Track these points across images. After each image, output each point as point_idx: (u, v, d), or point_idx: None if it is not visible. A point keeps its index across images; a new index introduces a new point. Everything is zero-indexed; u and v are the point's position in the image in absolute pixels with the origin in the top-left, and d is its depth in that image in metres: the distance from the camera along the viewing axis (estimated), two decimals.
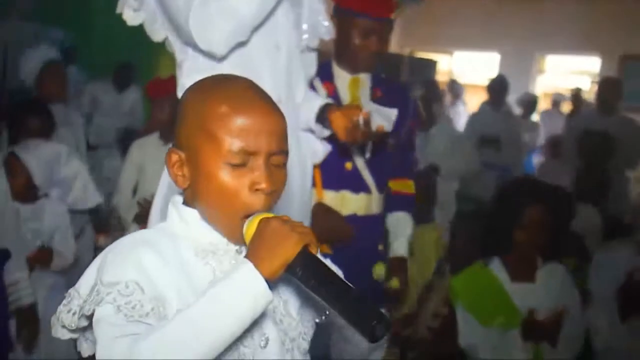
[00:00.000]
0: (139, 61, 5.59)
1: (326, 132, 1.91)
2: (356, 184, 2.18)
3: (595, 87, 5.71)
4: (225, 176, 0.99)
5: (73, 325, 0.98)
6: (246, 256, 0.95)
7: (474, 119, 5.70)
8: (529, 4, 7.85)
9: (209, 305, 0.91)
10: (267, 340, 1.03)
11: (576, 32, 7.43)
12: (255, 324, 0.97)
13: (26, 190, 2.55)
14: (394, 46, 7.93)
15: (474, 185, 4.65)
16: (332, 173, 2.14)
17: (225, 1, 1.57)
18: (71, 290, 1.00)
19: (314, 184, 2.07)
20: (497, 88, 5.50)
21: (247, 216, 0.99)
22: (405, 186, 2.36)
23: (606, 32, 7.20)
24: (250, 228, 0.98)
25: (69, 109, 3.86)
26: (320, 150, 1.99)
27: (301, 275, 0.95)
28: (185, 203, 1.05)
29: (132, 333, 0.90)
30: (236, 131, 0.98)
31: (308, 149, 1.94)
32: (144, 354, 0.87)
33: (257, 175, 0.99)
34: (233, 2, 1.58)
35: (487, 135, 5.22)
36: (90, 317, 0.96)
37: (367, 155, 2.09)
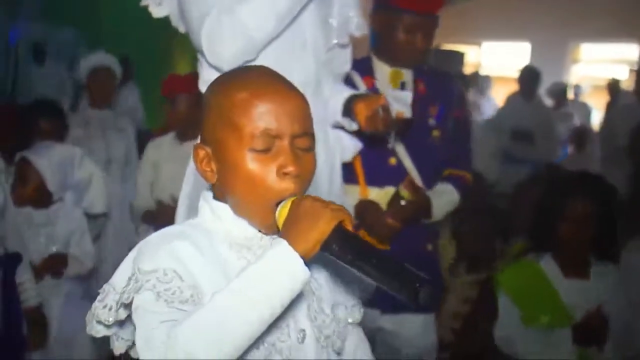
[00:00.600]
0: (144, 60, 5.57)
1: (354, 126, 1.87)
2: (401, 180, 2.14)
3: (634, 76, 5.51)
4: (251, 164, 0.99)
5: (111, 319, 0.98)
6: (280, 237, 0.95)
7: (503, 112, 5.56)
8: None
9: (245, 285, 0.91)
10: (304, 335, 1.03)
11: (612, 17, 7.13)
12: (292, 318, 1.01)
13: (39, 195, 2.52)
14: None
15: (500, 181, 4.52)
16: (375, 169, 2.14)
17: (239, 19, 1.60)
18: (105, 286, 1.00)
19: (353, 181, 2.10)
20: (527, 79, 5.32)
21: (278, 203, 0.99)
22: (461, 174, 2.31)
23: None
24: (282, 213, 0.98)
25: (118, 115, 3.91)
26: (351, 146, 1.93)
27: (338, 251, 0.94)
28: (215, 198, 1.06)
29: (171, 319, 0.91)
30: (257, 115, 0.99)
31: (337, 145, 1.91)
32: (181, 339, 0.88)
33: (283, 158, 0.99)
34: (246, 20, 1.60)
35: (519, 129, 5.05)
36: (128, 308, 0.97)
37: (391, 144, 2.09)
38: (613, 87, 6.67)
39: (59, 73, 6.16)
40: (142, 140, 4.68)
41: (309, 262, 0.94)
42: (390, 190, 2.13)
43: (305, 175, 1.01)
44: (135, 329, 0.96)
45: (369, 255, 0.94)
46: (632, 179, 3.31)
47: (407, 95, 2.05)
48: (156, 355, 0.90)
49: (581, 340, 2.14)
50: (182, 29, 1.79)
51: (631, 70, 7.32)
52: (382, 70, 2.17)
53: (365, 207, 2.12)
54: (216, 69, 1.63)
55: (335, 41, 1.82)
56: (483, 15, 8.07)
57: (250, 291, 0.90)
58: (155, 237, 1.01)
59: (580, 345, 2.13)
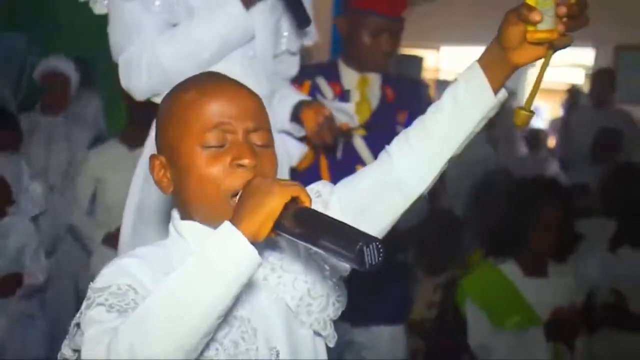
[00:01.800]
0: (101, 62, 5.48)
1: (303, 132, 1.88)
2: None
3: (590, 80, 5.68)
4: (204, 161, 0.96)
5: (69, 352, 0.94)
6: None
7: None
8: None
9: (187, 274, 0.84)
10: (277, 353, 0.98)
11: None
12: (263, 337, 0.96)
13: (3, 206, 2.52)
14: None
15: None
16: (343, 176, 2.06)
17: (158, 61, 1.61)
18: (73, 321, 0.94)
19: None
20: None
21: (235, 195, 0.94)
22: None
23: (600, 21, 7.08)
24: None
25: (72, 123, 3.78)
26: (296, 151, 1.94)
27: (288, 227, 0.88)
28: (182, 216, 1.03)
29: (117, 325, 0.85)
30: (207, 112, 0.97)
31: (284, 151, 1.89)
32: (123, 338, 0.82)
33: (237, 150, 0.96)
34: (166, 64, 1.61)
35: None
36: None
37: (339, 155, 2.05)
38: (572, 92, 6.82)
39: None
40: None
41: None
42: None
43: (264, 171, 0.97)
44: None
45: (317, 223, 0.89)
46: (600, 182, 3.39)
47: (350, 107, 2.03)
48: (99, 356, 0.84)
49: (555, 336, 2.20)
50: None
51: (587, 75, 7.52)
52: (350, 76, 2.17)
53: None
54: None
55: (284, 48, 1.83)
56: (442, 20, 8.16)
57: (191, 280, 0.83)
58: (109, 263, 0.97)
59: (555, 341, 2.20)
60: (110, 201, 2.79)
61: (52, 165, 3.46)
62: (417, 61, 8.02)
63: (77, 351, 0.93)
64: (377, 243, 0.84)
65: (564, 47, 0.97)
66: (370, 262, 0.83)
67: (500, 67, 1.00)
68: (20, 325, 2.52)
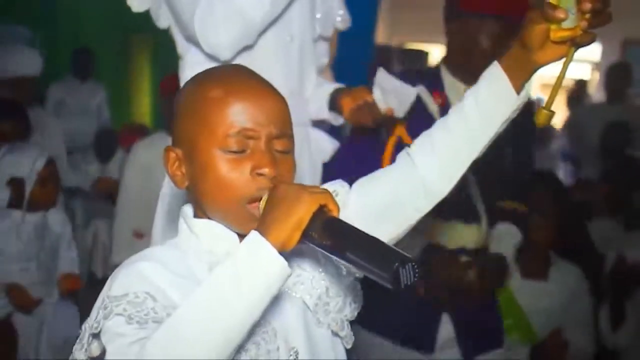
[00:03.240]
0: (105, 55, 5.52)
1: (340, 120, 1.82)
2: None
3: (598, 75, 5.68)
4: (223, 165, 0.94)
5: (83, 358, 0.92)
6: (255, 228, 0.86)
7: None
8: None
9: (217, 287, 0.83)
10: (296, 353, 0.97)
11: None
12: (282, 337, 0.95)
13: (57, 196, 2.59)
14: (381, 37, 7.82)
15: None
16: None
17: (233, 4, 1.57)
18: (83, 325, 0.93)
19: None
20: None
21: (252, 202, 0.93)
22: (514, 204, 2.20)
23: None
24: (262, 208, 0.91)
25: (41, 112, 3.73)
26: (329, 147, 1.90)
27: (317, 237, 0.86)
28: (196, 214, 1.00)
29: (142, 338, 0.84)
30: (231, 114, 0.94)
31: (317, 147, 1.87)
32: (152, 353, 0.81)
33: (258, 159, 0.94)
34: (241, 5, 1.57)
35: None
36: (100, 343, 0.90)
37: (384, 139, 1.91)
38: (580, 87, 6.80)
39: None
40: (110, 142, 4.65)
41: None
42: (454, 225, 1.98)
43: (284, 179, 0.95)
44: None
45: (349, 238, 0.86)
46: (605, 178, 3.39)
47: (411, 94, 1.81)
48: None
49: None
50: (161, 24, 1.76)
51: (593, 70, 7.52)
52: (456, 89, 1.97)
53: (440, 260, 1.94)
54: (213, 58, 1.60)
55: (319, 32, 1.81)
56: None
57: (220, 290, 0.83)
58: (124, 265, 0.95)
59: None
60: (156, 190, 2.86)
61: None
62: (423, 56, 8.05)
63: (93, 358, 0.94)
64: (413, 263, 0.82)
65: (587, 44, 0.97)
66: (405, 282, 0.81)
67: (522, 67, 1.01)
68: (60, 307, 2.55)
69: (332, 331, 1.02)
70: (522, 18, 2.00)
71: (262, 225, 0.86)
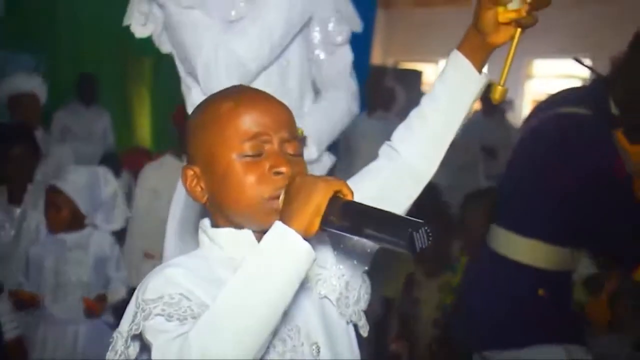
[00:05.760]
0: (105, 80, 5.62)
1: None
2: None
3: None
4: (242, 169, 0.99)
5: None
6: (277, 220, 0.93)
7: (467, 129, 5.71)
8: None
9: (249, 276, 0.89)
10: (318, 349, 1.02)
11: (564, 34, 7.47)
12: (305, 334, 0.99)
13: (74, 218, 2.63)
14: (376, 57, 7.97)
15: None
16: None
17: (235, 54, 1.66)
18: (114, 334, 0.98)
19: None
20: (486, 95, 5.52)
21: (272, 198, 0.98)
22: None
23: (595, 33, 7.27)
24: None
25: (49, 138, 3.84)
26: (327, 162, 2.00)
27: (336, 221, 0.91)
28: (214, 224, 1.05)
29: (184, 332, 0.89)
30: (245, 122, 1.00)
31: (317, 162, 1.96)
32: (195, 343, 0.86)
33: (274, 159, 1.00)
34: (243, 54, 1.67)
35: (484, 146, 5.27)
36: (137, 347, 0.96)
37: None
38: None
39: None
40: (114, 164, 4.76)
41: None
42: None
43: None
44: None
45: (365, 215, 0.92)
46: None
47: None
48: None
49: None
50: (164, 49, 1.86)
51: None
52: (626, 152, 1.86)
53: None
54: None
55: (318, 52, 1.93)
56: (439, 34, 8.32)
57: (253, 279, 0.88)
58: (153, 272, 1.00)
59: None
60: (164, 211, 2.90)
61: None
62: (417, 75, 8.19)
63: None
64: (425, 227, 0.87)
65: (530, 25, 1.10)
66: (420, 246, 0.87)
67: (480, 50, 1.14)
68: (101, 332, 2.58)
69: (349, 322, 1.10)
70: None
71: (284, 215, 0.92)
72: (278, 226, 0.91)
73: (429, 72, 8.67)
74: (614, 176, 1.81)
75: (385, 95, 5.24)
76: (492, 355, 2.04)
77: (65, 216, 2.61)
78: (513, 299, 2.01)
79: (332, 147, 2.10)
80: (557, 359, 1.95)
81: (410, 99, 5.78)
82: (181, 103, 1.93)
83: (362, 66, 4.42)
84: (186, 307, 0.92)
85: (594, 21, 7.34)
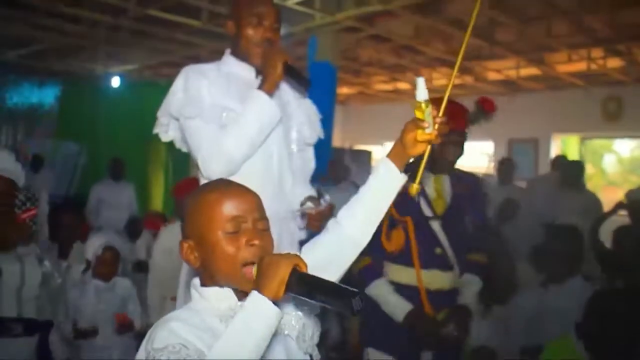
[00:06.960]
0: (130, 161, 5.68)
1: (302, 225, 1.92)
2: (444, 265, 2.14)
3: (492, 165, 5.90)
4: (225, 243, 1.05)
5: None
6: (253, 289, 0.98)
7: None
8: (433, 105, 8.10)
9: (234, 331, 0.94)
10: None
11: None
12: None
13: (117, 270, 2.77)
14: (336, 141, 8.14)
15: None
16: (425, 256, 2.12)
17: (224, 150, 1.73)
18: None
19: (408, 264, 2.12)
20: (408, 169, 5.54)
21: (245, 264, 1.04)
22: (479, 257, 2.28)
23: (495, 121, 7.48)
24: (255, 273, 1.01)
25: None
26: (301, 233, 1.99)
27: (295, 288, 0.96)
28: (202, 283, 1.09)
29: None
30: (227, 208, 1.06)
31: (296, 230, 1.95)
32: None
33: (249, 234, 1.06)
34: (229, 149, 1.73)
35: None
36: None
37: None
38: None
39: (50, 179, 6.22)
40: (137, 226, 4.76)
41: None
42: (435, 272, 2.10)
43: (267, 248, 1.07)
44: None
45: (317, 285, 0.97)
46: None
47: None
48: None
49: None
50: (184, 149, 1.90)
51: (489, 161, 7.88)
52: (426, 177, 2.12)
53: (417, 317, 2.04)
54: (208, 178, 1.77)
55: (293, 147, 1.93)
56: (382, 123, 8.52)
57: (236, 336, 0.93)
58: (157, 325, 1.02)
59: None
60: (177, 265, 2.87)
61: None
62: (367, 154, 8.32)
63: None
64: (360, 296, 0.94)
65: (437, 142, 1.21)
66: (357, 309, 0.93)
67: (402, 157, 1.24)
68: (127, 352, 2.64)
69: (306, 353, 1.13)
70: (463, 130, 2.07)
71: (259, 285, 0.97)
72: (254, 295, 0.97)
73: (377, 151, 8.86)
74: None
75: (342, 169, 5.40)
76: None
77: (114, 269, 2.75)
78: None
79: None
80: None
81: (362, 172, 5.93)
82: (184, 179, 1.97)
83: (325, 148, 4.59)
84: (185, 355, 0.96)
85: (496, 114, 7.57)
